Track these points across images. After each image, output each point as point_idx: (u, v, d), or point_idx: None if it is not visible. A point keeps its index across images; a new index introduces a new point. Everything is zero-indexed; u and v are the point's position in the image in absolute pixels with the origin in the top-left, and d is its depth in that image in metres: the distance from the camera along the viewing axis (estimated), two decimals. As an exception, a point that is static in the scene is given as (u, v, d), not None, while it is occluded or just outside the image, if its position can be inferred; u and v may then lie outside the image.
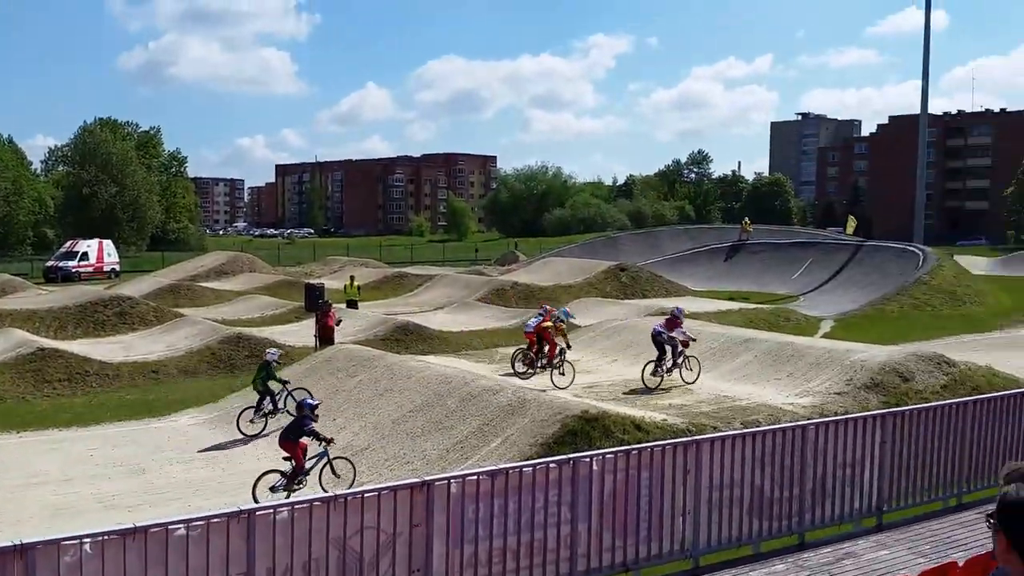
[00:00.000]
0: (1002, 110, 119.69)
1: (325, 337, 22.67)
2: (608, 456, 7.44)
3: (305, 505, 6.50)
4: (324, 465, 12.89)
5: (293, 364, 20.00)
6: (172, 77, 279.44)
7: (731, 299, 37.30)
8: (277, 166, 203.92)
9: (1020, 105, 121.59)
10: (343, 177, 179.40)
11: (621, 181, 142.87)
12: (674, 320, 18.77)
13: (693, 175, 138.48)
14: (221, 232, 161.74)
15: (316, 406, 13.02)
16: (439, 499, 6.73)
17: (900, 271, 37.94)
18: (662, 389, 17.71)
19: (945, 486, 9.47)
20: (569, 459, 7.34)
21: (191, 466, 14.56)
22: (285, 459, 12.69)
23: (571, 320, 21.83)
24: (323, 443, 12.57)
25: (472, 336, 27.19)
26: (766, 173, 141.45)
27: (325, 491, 12.47)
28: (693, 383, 18.12)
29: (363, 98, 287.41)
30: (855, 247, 44.35)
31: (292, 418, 13.36)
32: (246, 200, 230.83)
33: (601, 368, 21.13)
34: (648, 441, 11.21)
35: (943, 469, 9.48)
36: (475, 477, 6.76)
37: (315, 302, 23.53)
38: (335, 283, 38.36)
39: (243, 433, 16.27)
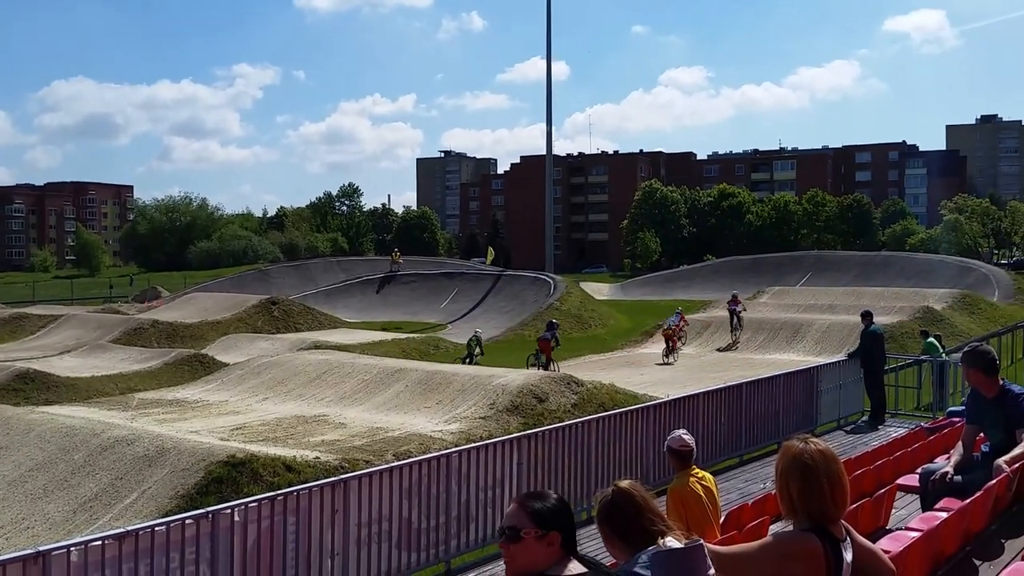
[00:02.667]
0: (615, 152, 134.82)
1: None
2: (251, 505, 7.10)
3: None
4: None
5: None
6: None
7: (384, 329, 37.94)
8: None
9: (629, 148, 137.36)
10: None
11: (272, 213, 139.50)
12: (736, 299, 31.26)
13: (345, 208, 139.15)
14: None
15: (558, 325, 28.33)
16: (57, 571, 5.99)
17: (535, 298, 41.03)
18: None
19: (576, 501, 10.24)
20: (208, 512, 6.90)
21: None
22: (538, 352, 25.84)
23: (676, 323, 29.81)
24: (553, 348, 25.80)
25: (106, 381, 24.95)
26: (414, 207, 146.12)
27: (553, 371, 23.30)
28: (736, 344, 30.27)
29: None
30: (496, 276, 47.25)
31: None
32: None
33: (251, 407, 20.34)
34: (300, 482, 10.96)
35: (574, 485, 10.24)
36: (99, 542, 6.11)
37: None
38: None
39: None
